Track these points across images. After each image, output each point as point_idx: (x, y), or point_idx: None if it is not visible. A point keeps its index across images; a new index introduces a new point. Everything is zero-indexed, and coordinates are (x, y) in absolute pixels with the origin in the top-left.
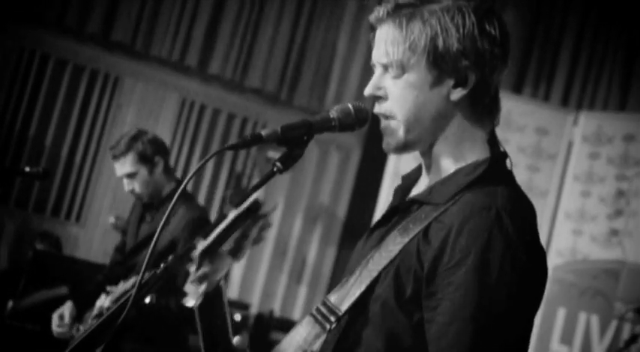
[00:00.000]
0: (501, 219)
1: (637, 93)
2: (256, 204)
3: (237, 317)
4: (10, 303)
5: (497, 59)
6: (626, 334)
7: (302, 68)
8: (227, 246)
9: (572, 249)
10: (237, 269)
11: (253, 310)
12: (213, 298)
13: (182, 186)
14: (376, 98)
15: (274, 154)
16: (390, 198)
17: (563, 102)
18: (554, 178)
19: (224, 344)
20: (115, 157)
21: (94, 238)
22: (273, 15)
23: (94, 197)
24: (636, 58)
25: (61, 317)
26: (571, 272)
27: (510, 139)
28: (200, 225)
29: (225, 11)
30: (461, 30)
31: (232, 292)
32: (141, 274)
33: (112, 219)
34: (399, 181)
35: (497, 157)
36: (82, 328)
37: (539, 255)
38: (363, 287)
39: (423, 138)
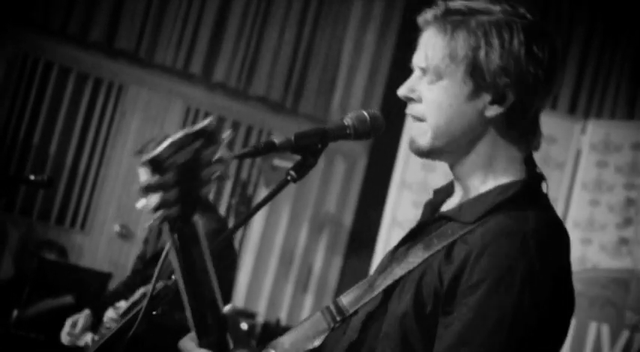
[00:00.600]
0: (527, 246)
1: None
2: (208, 126)
3: (244, 325)
4: (15, 312)
5: (540, 83)
6: (637, 344)
7: (307, 76)
8: (179, 158)
9: (581, 257)
10: (243, 277)
11: (260, 319)
12: (187, 241)
13: None
14: (408, 99)
15: (280, 162)
16: (396, 207)
17: (570, 111)
18: (562, 187)
19: (210, 306)
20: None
21: (98, 246)
22: (278, 22)
23: (99, 205)
24: None
25: (74, 326)
26: (580, 281)
27: None
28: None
29: (229, 19)
30: (506, 46)
31: (238, 301)
32: (152, 286)
33: (117, 227)
34: (405, 190)
35: (533, 179)
36: (94, 337)
37: (564, 289)
38: (374, 294)
39: (449, 149)
